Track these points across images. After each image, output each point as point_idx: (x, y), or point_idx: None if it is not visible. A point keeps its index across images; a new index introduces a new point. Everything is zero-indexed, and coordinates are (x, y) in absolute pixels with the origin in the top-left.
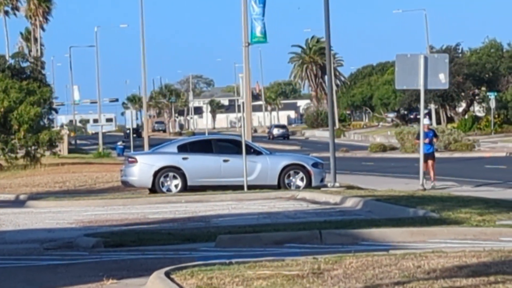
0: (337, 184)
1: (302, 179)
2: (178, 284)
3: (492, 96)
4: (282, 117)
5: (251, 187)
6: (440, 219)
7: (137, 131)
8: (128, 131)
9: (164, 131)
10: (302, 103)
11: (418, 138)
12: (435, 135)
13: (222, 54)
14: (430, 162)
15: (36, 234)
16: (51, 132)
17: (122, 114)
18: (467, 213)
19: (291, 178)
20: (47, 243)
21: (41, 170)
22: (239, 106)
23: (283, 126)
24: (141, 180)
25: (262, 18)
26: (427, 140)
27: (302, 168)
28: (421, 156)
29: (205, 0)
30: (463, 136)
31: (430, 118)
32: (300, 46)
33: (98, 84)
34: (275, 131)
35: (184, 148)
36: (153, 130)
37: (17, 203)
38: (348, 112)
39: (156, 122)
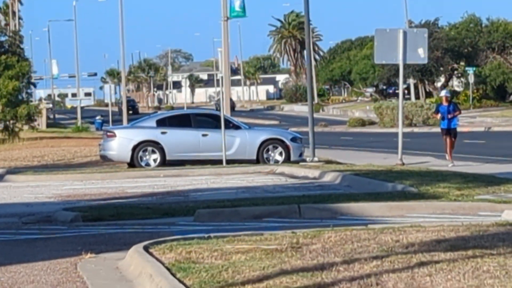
0: (315, 159)
1: (281, 154)
2: (156, 258)
3: (471, 71)
4: (261, 91)
5: (230, 162)
6: (418, 194)
7: (134, 107)
8: (121, 105)
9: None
10: (281, 78)
11: (437, 112)
12: (457, 108)
13: (201, 29)
14: (449, 139)
15: (14, 208)
16: (29, 106)
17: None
18: (446, 187)
19: (270, 152)
20: (26, 217)
21: (20, 144)
22: (218, 80)
23: None
24: (120, 155)
25: None
26: (450, 115)
27: (281, 142)
28: (400, 131)
29: None
30: None
31: (409, 93)
32: (279, 21)
33: (76, 58)
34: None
35: (163, 123)
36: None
37: None
38: (327, 86)
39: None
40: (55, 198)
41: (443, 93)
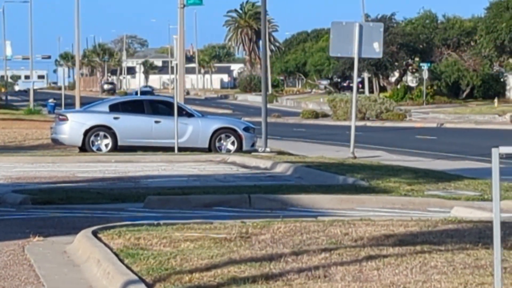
0: (268, 149)
1: (233, 143)
2: (105, 244)
3: (425, 66)
4: (215, 80)
5: (182, 149)
6: (369, 188)
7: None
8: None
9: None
10: (236, 67)
11: None
12: None
13: (157, 15)
14: None
15: None
16: None
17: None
18: (396, 182)
19: (222, 141)
20: None
21: None
22: (172, 67)
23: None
24: (71, 138)
25: None
26: None
27: (234, 132)
28: (352, 124)
29: None
30: (395, 106)
31: (363, 87)
32: (235, 10)
33: (31, 40)
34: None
35: (115, 108)
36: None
37: None
38: (281, 77)
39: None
40: (4, 180)
41: None
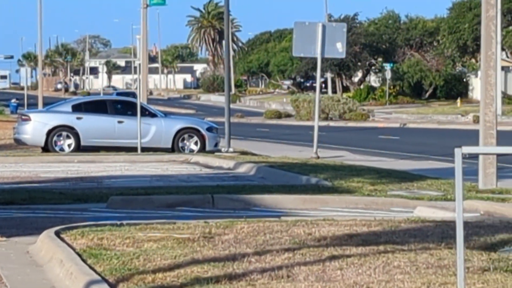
0: (231, 149)
1: (196, 143)
2: (68, 244)
3: (388, 67)
4: (178, 80)
5: (145, 149)
6: (332, 188)
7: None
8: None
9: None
10: (199, 67)
11: None
12: None
13: (120, 15)
14: None
15: None
16: None
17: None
18: (359, 182)
19: (185, 141)
20: None
21: None
22: (135, 67)
23: None
24: (34, 139)
25: None
26: None
27: (197, 132)
28: (315, 124)
29: None
30: (358, 106)
31: (326, 87)
32: (198, 10)
33: None
34: None
35: (78, 108)
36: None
37: None
38: (244, 78)
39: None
40: None
41: None
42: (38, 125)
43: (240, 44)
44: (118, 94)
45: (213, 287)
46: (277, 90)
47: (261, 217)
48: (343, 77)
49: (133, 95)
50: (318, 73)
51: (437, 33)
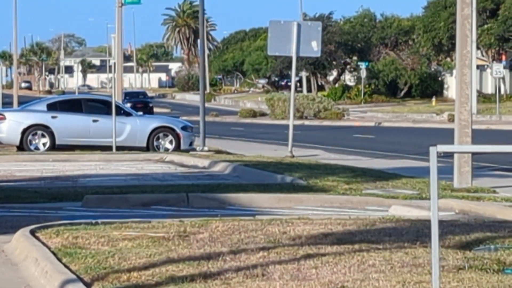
0: (206, 148)
1: (171, 142)
2: (43, 243)
3: (363, 65)
4: (153, 79)
5: (119, 148)
6: (307, 186)
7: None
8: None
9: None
10: (174, 66)
11: None
12: None
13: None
14: None
15: None
16: None
17: None
18: (334, 181)
19: (160, 140)
20: None
21: None
22: (110, 66)
23: None
24: (9, 137)
25: None
26: None
27: (172, 130)
28: (290, 123)
29: None
30: (333, 105)
31: (301, 86)
32: (173, 9)
33: None
34: None
35: (53, 107)
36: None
37: None
38: (219, 76)
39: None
40: None
41: None
42: (13, 124)
43: (215, 43)
44: (127, 94)
45: (188, 286)
46: (252, 89)
47: (236, 216)
48: (318, 76)
49: (144, 95)
50: (293, 72)
51: (413, 32)
